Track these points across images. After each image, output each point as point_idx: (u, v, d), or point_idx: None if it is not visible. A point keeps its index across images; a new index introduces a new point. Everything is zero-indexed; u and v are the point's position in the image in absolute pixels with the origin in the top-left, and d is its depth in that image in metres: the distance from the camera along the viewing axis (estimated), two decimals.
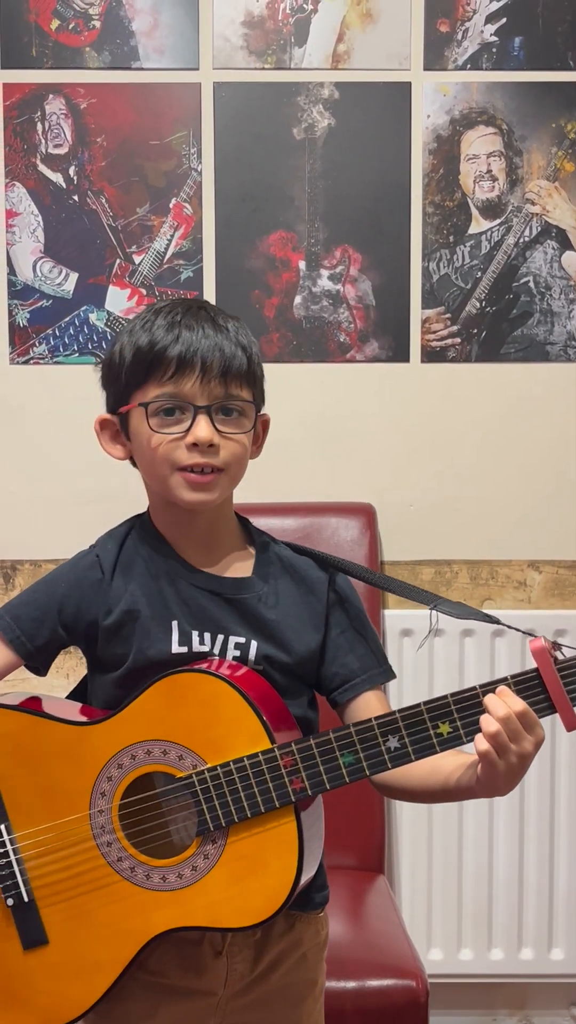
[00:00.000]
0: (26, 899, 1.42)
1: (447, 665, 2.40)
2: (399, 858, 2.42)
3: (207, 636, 1.44)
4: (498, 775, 1.29)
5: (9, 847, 1.43)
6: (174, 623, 1.43)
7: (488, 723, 1.27)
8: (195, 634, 1.43)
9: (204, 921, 1.36)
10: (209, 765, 1.35)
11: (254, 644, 1.44)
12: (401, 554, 2.48)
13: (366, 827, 2.27)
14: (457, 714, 1.30)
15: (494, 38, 2.43)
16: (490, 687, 1.29)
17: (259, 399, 1.46)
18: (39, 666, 1.51)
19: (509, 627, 1.43)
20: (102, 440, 1.49)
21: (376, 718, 1.33)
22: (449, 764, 1.37)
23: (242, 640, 1.43)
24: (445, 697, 1.30)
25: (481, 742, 1.27)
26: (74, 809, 1.40)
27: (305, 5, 2.42)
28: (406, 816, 2.41)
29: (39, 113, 2.44)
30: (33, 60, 2.42)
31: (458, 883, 2.43)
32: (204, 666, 1.40)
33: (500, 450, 2.50)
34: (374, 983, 1.79)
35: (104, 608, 1.45)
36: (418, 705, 1.31)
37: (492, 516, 2.51)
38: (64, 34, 2.42)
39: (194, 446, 1.38)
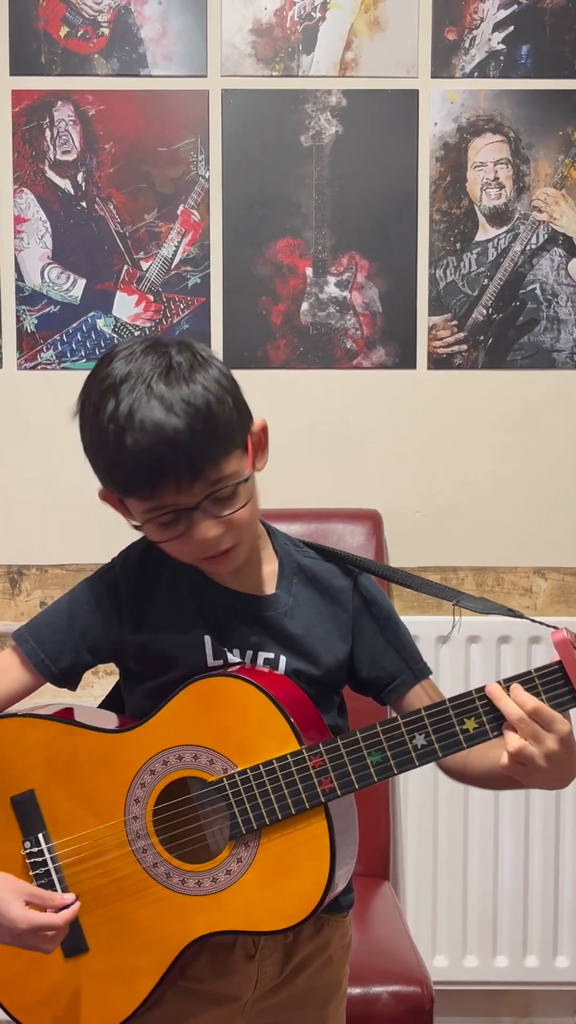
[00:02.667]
0: None
1: (452, 673, 2.40)
2: (404, 865, 2.42)
3: (236, 653, 1.43)
4: (538, 777, 1.29)
5: (47, 855, 1.43)
6: (206, 638, 1.43)
7: (512, 739, 1.27)
8: (226, 651, 1.43)
9: (240, 925, 1.36)
10: (239, 768, 1.35)
11: (283, 659, 1.43)
12: (407, 560, 2.48)
13: (371, 834, 2.26)
14: (482, 710, 1.29)
15: (501, 46, 2.43)
16: (514, 682, 1.28)
17: (241, 442, 1.35)
18: (68, 685, 1.49)
19: (533, 620, 1.42)
20: (108, 503, 1.42)
21: (402, 716, 1.32)
22: (499, 756, 1.34)
23: (271, 656, 1.43)
24: (470, 693, 1.30)
25: (507, 758, 1.27)
26: (109, 816, 1.41)
27: (313, 13, 2.43)
28: (411, 823, 2.41)
29: (48, 120, 2.44)
30: (42, 67, 2.43)
31: (463, 890, 2.43)
32: (233, 670, 1.40)
33: (506, 457, 2.50)
34: (379, 989, 1.78)
35: (130, 628, 1.44)
36: (444, 702, 1.31)
37: (498, 523, 2.51)
38: (73, 41, 2.43)
39: (201, 543, 1.35)
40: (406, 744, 1.32)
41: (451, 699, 1.31)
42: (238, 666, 1.43)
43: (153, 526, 1.34)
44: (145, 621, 1.44)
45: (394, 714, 1.46)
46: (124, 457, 1.29)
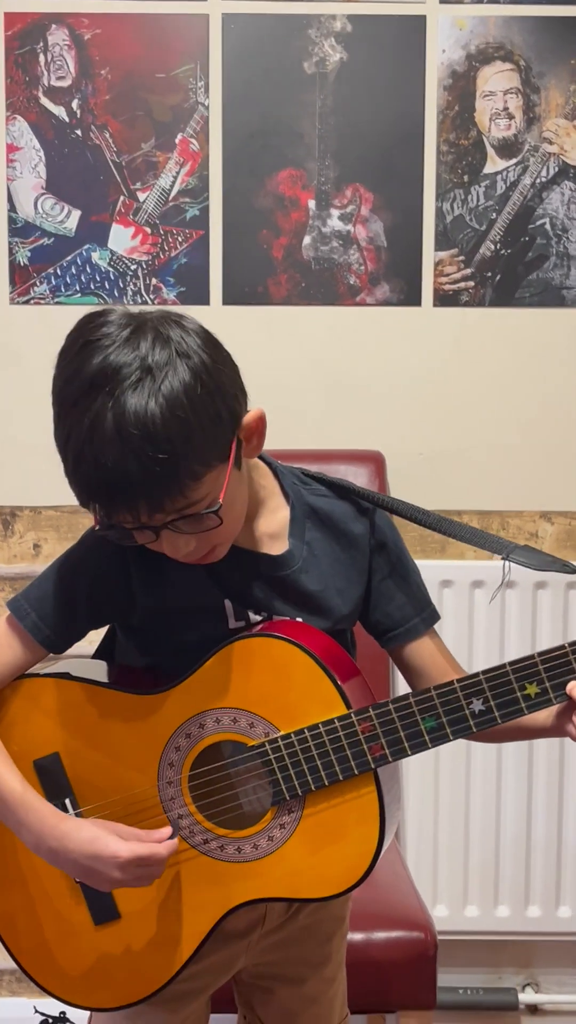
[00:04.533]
0: None
1: (455, 619, 2.34)
2: (406, 814, 2.38)
3: (251, 615, 1.37)
4: None
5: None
6: (226, 602, 1.36)
7: None
8: (248, 612, 1.36)
9: (283, 892, 1.32)
10: (283, 732, 1.29)
11: (299, 620, 1.37)
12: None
13: None
14: (545, 674, 1.24)
15: None
16: None
17: (220, 456, 1.22)
18: (67, 649, 1.42)
19: None
20: None
21: (458, 680, 1.26)
22: (539, 717, 1.32)
23: (287, 618, 1.37)
24: (532, 657, 1.24)
25: None
26: (142, 781, 1.35)
27: None
28: (413, 772, 2.37)
29: (41, 44, 2.35)
30: None
31: (465, 839, 2.39)
32: (272, 630, 1.33)
33: (513, 397, 2.43)
34: (382, 935, 1.74)
35: (140, 591, 1.36)
36: (503, 666, 1.25)
37: (504, 465, 2.44)
38: None
39: (172, 553, 1.26)
40: (463, 710, 1.26)
41: (511, 663, 1.25)
42: (269, 622, 1.36)
43: (117, 532, 1.24)
44: (156, 584, 1.36)
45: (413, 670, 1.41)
46: (84, 473, 1.18)
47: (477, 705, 1.26)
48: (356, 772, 1.28)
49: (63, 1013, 2.37)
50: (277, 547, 1.38)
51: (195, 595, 1.35)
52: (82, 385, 1.18)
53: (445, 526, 1.39)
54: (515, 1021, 2.49)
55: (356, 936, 1.71)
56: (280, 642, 1.29)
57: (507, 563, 1.35)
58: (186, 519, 1.22)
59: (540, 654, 1.24)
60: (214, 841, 1.33)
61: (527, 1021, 2.49)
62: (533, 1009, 2.48)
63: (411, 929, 1.75)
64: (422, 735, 1.27)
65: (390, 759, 1.28)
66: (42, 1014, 2.37)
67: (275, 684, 1.30)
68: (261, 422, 1.29)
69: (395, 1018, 1.78)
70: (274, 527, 1.38)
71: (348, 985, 1.58)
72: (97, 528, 1.25)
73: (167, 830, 1.31)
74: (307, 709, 1.29)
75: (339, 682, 1.28)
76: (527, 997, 2.47)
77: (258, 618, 1.36)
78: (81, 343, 1.20)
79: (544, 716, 1.31)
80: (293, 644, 1.29)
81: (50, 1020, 2.37)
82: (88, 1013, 1.51)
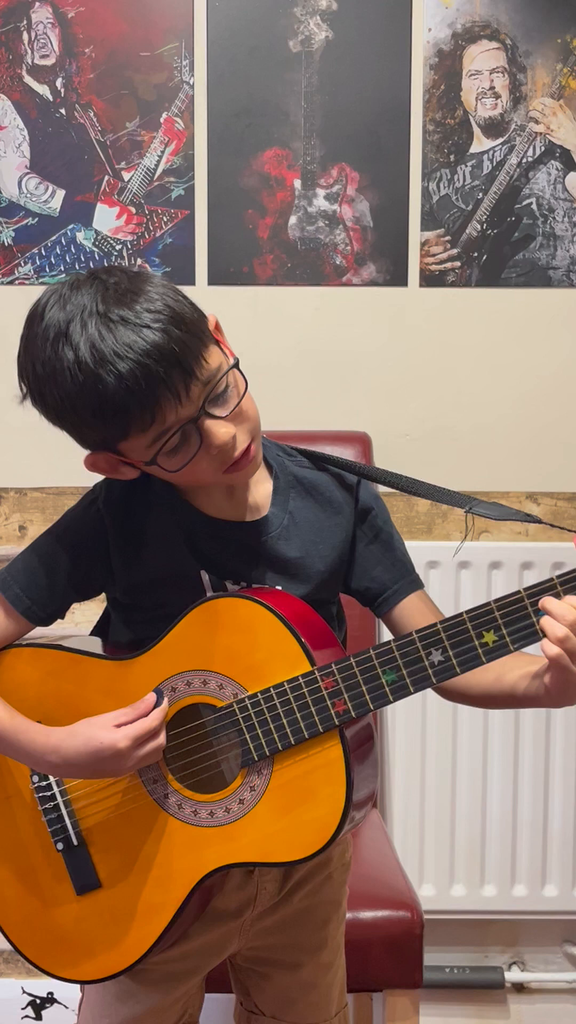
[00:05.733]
0: (75, 843, 1.38)
1: (441, 600, 2.34)
2: (392, 793, 2.38)
3: (228, 586, 1.38)
4: (569, 683, 1.21)
5: (56, 789, 1.38)
6: (203, 573, 1.37)
7: (553, 627, 1.18)
8: (225, 583, 1.38)
9: (255, 856, 1.31)
10: (249, 693, 1.30)
11: (279, 588, 1.38)
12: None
13: None
14: (502, 619, 1.22)
15: None
16: (536, 589, 1.21)
17: (211, 336, 1.30)
18: (53, 622, 1.45)
19: (549, 524, 1.38)
20: (100, 472, 1.35)
21: (417, 631, 1.26)
22: (515, 674, 1.31)
23: (267, 587, 1.38)
24: (488, 604, 1.23)
25: (550, 647, 1.19)
26: None
27: None
28: (400, 750, 2.37)
29: (25, 22, 2.33)
30: None
31: (451, 818, 2.39)
32: (239, 591, 1.35)
33: (499, 378, 2.43)
34: (368, 914, 1.74)
35: (120, 565, 1.39)
36: (460, 615, 1.24)
37: (490, 446, 2.44)
38: None
39: (220, 449, 1.28)
40: (423, 661, 1.25)
41: (468, 611, 1.24)
42: (244, 589, 1.37)
43: (165, 457, 1.27)
44: (135, 558, 1.38)
45: (396, 631, 1.42)
46: (111, 395, 1.21)
47: (436, 656, 1.25)
48: (321, 730, 1.27)
49: (51, 994, 2.37)
50: (258, 516, 1.40)
51: (173, 566, 1.37)
52: (60, 332, 1.24)
53: (413, 487, 1.43)
54: (501, 999, 2.49)
55: None
56: (246, 602, 1.30)
57: (470, 515, 1.37)
58: (216, 398, 1.26)
59: (496, 601, 1.23)
60: (188, 806, 1.34)
61: (513, 999, 2.50)
62: (519, 987, 2.49)
63: (397, 908, 1.75)
64: (383, 688, 1.26)
65: (353, 714, 1.27)
66: (30, 995, 2.38)
67: (242, 645, 1.30)
68: (219, 328, 1.34)
69: (381, 997, 1.78)
70: (257, 497, 1.41)
71: (346, 978, 1.57)
72: (141, 468, 1.29)
73: (152, 697, 1.31)
74: (273, 668, 1.29)
75: (303, 640, 1.28)
76: (513, 976, 2.48)
77: (235, 588, 1.38)
78: (39, 314, 1.28)
79: (525, 681, 1.30)
80: (258, 603, 1.29)
81: (38, 1000, 2.37)
82: (79, 997, 1.52)
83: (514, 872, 2.40)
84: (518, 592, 1.23)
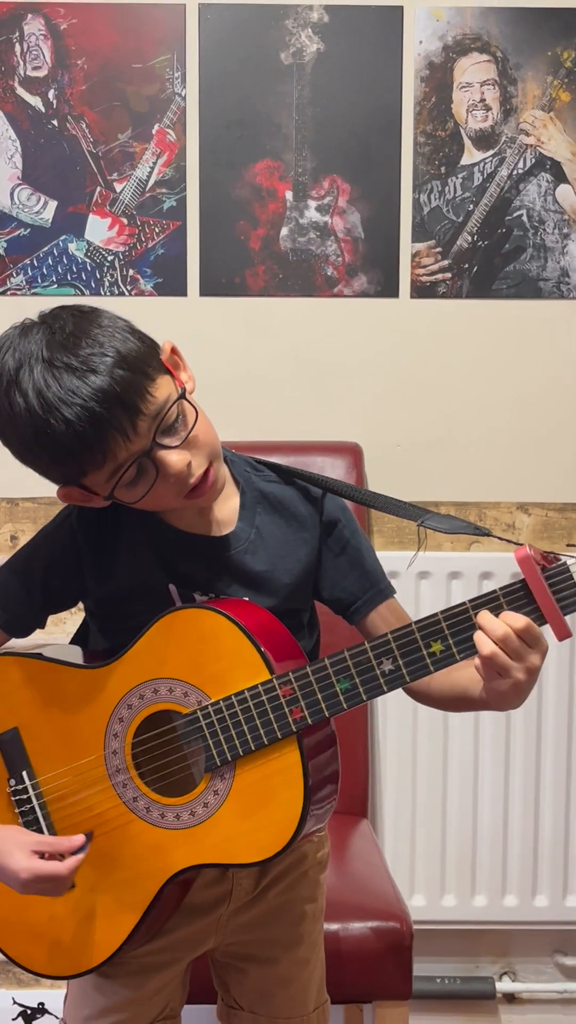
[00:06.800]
0: None
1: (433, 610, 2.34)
2: (382, 803, 2.39)
3: (196, 597, 1.43)
4: (503, 692, 1.26)
5: (31, 792, 1.43)
6: (171, 586, 1.42)
7: (483, 643, 1.23)
8: (194, 595, 1.42)
9: (218, 858, 1.36)
10: (212, 700, 1.34)
11: (245, 600, 1.42)
12: (388, 494, 2.42)
13: (349, 770, 2.20)
14: (448, 631, 1.26)
15: None
16: (480, 601, 1.25)
17: (160, 368, 1.33)
18: (32, 632, 1.51)
19: (499, 538, 1.40)
20: (73, 502, 1.39)
21: (369, 641, 1.30)
22: (464, 678, 1.35)
23: (233, 598, 1.42)
24: (436, 615, 1.27)
25: (478, 661, 1.24)
26: (90, 751, 1.40)
27: None
28: (390, 760, 2.37)
29: (17, 34, 2.34)
30: None
31: (442, 829, 2.39)
32: (204, 602, 1.39)
33: (490, 389, 2.44)
34: (358, 925, 1.75)
35: (92, 580, 1.44)
36: (409, 625, 1.29)
37: (481, 457, 2.45)
38: None
39: (176, 477, 1.32)
40: (374, 670, 1.30)
41: (416, 622, 1.28)
42: (211, 600, 1.42)
43: (124, 489, 1.32)
44: (107, 573, 1.43)
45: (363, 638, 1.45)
46: (60, 439, 1.25)
47: (387, 665, 1.29)
48: (279, 736, 1.32)
49: (42, 1004, 2.37)
50: (225, 531, 1.44)
51: (142, 579, 1.41)
52: (10, 380, 1.28)
53: (373, 500, 1.46)
54: (492, 1010, 2.50)
55: (332, 926, 1.72)
56: (209, 612, 1.35)
57: (422, 529, 1.40)
58: (167, 429, 1.30)
59: (442, 612, 1.27)
60: (155, 809, 1.38)
61: (504, 1010, 2.50)
62: (510, 998, 2.50)
63: (387, 919, 1.76)
64: (337, 696, 1.31)
65: (310, 721, 1.31)
66: (21, 1005, 2.37)
67: (205, 653, 1.35)
68: (176, 352, 1.38)
69: (371, 1008, 1.78)
70: (225, 513, 1.44)
71: (325, 975, 1.59)
72: (104, 500, 1.33)
73: (80, 838, 1.37)
74: (235, 677, 1.33)
75: (263, 649, 1.32)
76: (504, 986, 2.48)
77: (203, 599, 1.42)
78: None
79: (476, 686, 1.33)
80: (220, 614, 1.34)
81: (28, 1011, 2.37)
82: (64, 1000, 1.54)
83: (505, 882, 2.40)
84: (463, 604, 1.26)
